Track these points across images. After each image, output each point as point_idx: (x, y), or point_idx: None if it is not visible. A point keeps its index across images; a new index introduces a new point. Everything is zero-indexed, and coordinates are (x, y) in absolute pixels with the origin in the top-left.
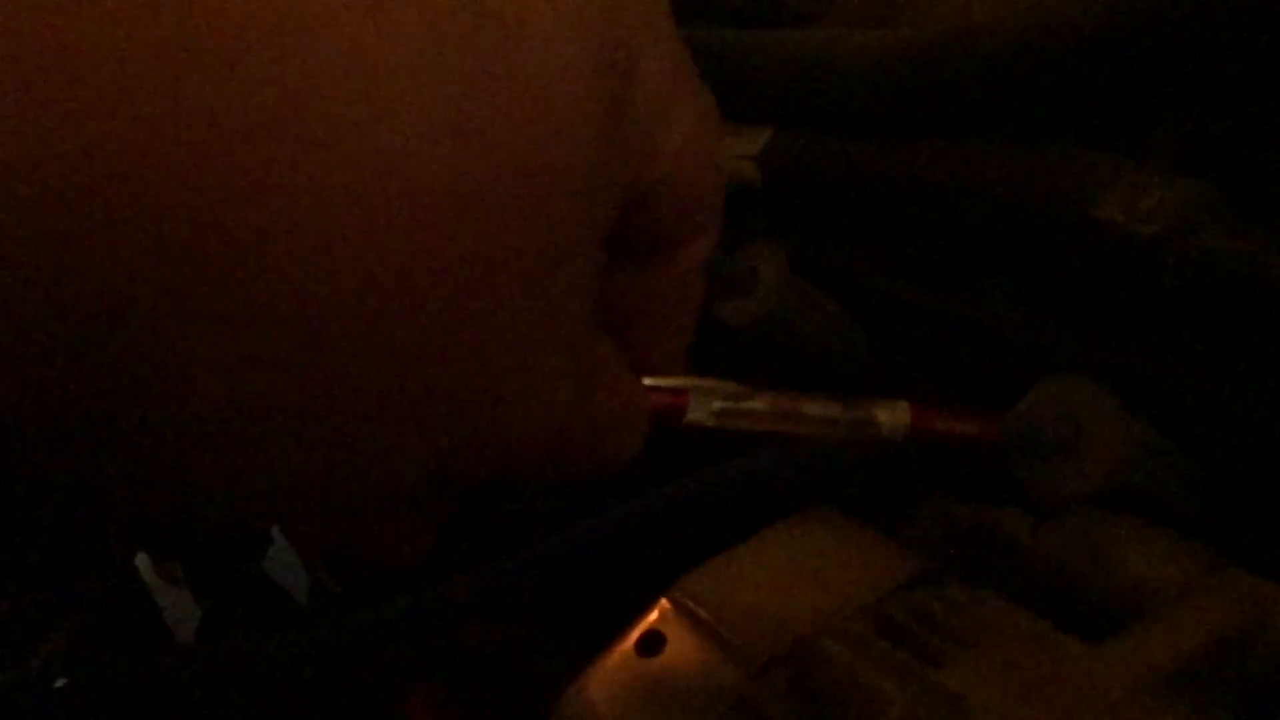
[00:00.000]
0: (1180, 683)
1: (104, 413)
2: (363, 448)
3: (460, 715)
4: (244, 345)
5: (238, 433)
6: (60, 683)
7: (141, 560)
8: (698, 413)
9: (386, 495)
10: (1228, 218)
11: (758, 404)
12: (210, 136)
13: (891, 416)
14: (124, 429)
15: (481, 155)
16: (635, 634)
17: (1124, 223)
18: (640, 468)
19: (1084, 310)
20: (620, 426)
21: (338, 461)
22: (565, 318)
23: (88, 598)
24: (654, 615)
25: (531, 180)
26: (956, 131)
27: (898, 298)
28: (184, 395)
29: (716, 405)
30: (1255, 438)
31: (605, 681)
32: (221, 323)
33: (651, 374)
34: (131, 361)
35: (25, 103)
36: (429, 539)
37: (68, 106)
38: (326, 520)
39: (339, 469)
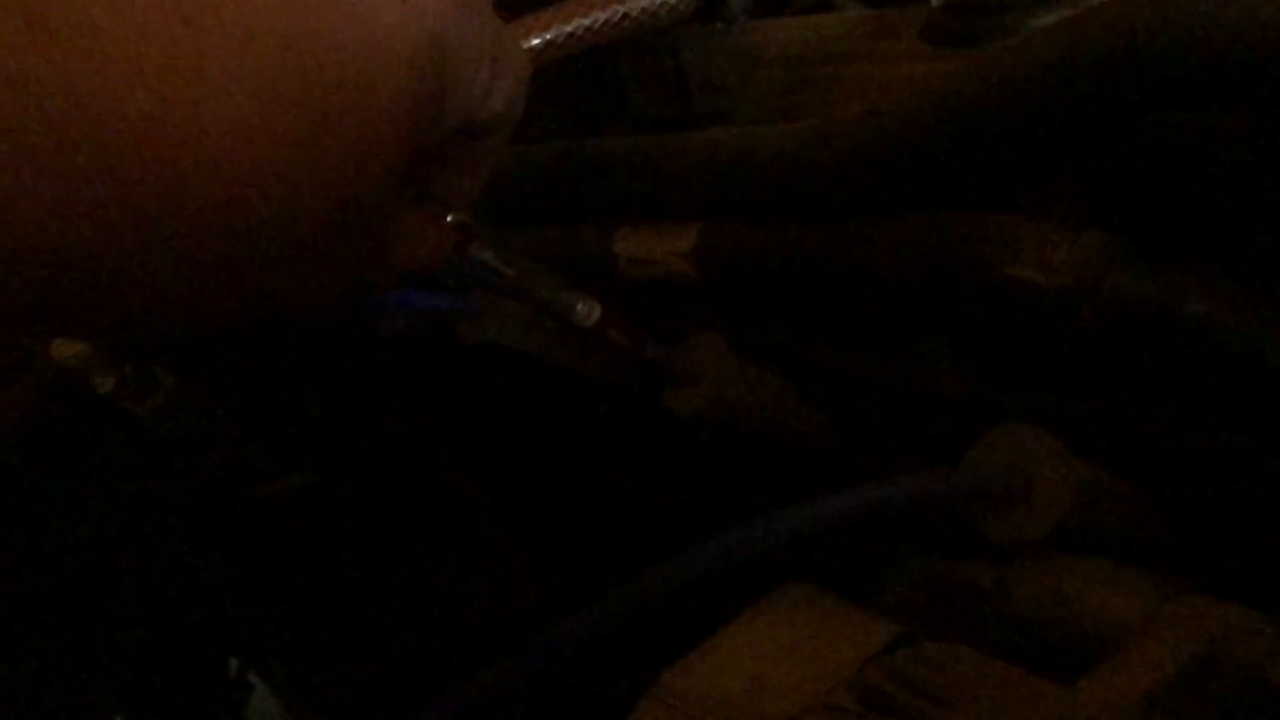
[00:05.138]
0: (1156, 710)
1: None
2: None
3: None
4: None
5: None
6: None
7: None
8: None
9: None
10: (1134, 263)
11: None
12: None
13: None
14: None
15: None
16: None
17: (1037, 278)
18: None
19: (1018, 363)
20: None
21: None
22: None
23: None
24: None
25: None
26: (871, 209)
27: (842, 368)
28: None
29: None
30: (1191, 464)
31: None
32: None
33: None
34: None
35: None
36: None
37: None
38: None
39: None
